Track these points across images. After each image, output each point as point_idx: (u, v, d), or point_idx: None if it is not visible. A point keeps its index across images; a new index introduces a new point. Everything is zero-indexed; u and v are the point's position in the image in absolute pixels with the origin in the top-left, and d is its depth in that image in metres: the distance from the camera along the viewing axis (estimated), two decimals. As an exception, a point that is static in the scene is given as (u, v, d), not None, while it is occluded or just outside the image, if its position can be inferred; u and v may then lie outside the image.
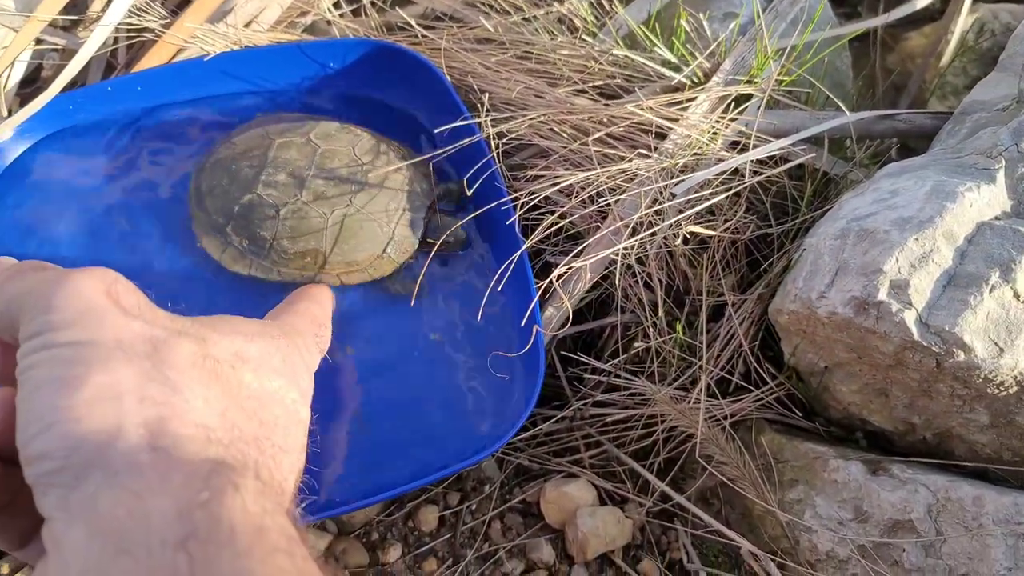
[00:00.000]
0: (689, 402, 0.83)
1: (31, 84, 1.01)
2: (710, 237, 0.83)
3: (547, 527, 0.84)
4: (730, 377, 0.85)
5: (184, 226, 0.86)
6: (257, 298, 0.83)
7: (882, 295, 0.70)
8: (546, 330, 0.79)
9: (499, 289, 0.77)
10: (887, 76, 1.28)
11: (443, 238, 0.82)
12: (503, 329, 0.82)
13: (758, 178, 0.81)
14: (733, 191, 0.80)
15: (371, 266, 0.83)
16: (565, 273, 0.76)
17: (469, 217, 0.84)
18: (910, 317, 0.70)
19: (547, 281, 0.75)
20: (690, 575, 0.81)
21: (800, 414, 0.84)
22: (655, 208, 0.77)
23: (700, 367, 0.82)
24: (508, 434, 0.72)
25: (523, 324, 0.74)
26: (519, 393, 0.77)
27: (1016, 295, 0.70)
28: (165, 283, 0.84)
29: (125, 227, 0.87)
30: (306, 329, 0.52)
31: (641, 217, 0.78)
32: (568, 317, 0.78)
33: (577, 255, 0.78)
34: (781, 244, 0.85)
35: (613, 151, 0.82)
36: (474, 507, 0.84)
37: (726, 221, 0.81)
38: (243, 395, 0.40)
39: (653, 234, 0.78)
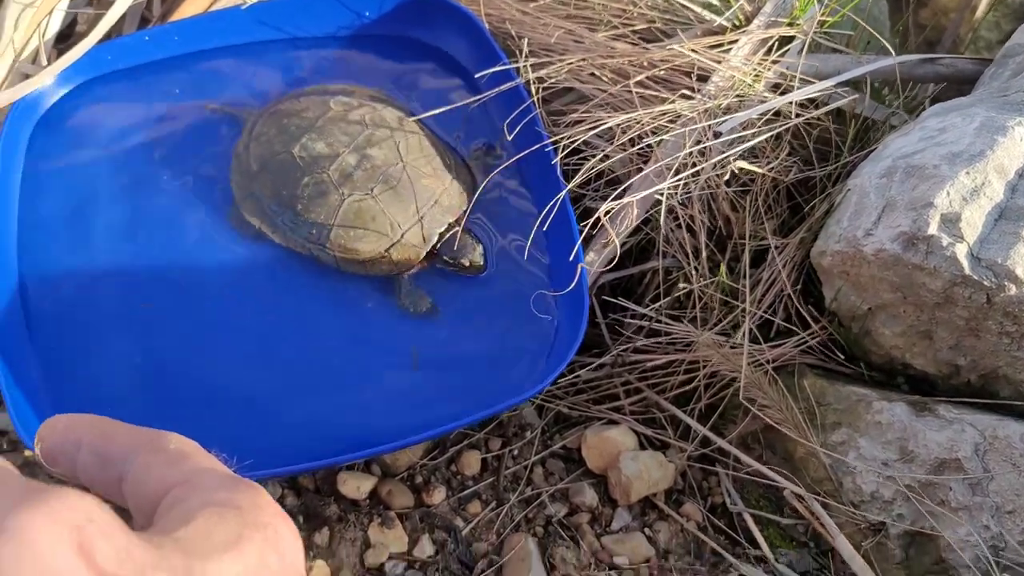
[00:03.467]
0: (731, 346, 0.82)
1: (65, 40, 1.01)
2: (752, 180, 0.83)
3: (588, 472, 0.84)
4: (772, 320, 0.85)
5: (222, 173, 0.86)
6: (277, 263, 0.84)
7: (932, 229, 0.70)
8: (589, 273, 0.79)
9: (544, 229, 0.77)
10: (920, 32, 1.27)
11: (459, 259, 0.81)
12: (546, 272, 0.82)
13: (801, 119, 0.81)
14: (776, 132, 0.79)
15: (371, 263, 0.81)
16: (612, 209, 0.76)
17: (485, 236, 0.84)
18: (961, 251, 0.69)
19: (594, 217, 0.74)
20: (733, 517, 0.81)
21: (843, 357, 0.84)
22: (699, 147, 0.77)
23: (743, 311, 0.82)
24: (555, 371, 0.73)
25: (571, 259, 0.74)
26: (564, 333, 0.77)
27: (1069, 228, 0.69)
28: (197, 230, 0.84)
29: (162, 175, 0.87)
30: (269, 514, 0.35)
31: (685, 158, 0.78)
32: (616, 254, 0.77)
33: (621, 195, 0.77)
34: (823, 187, 0.85)
35: (654, 94, 0.81)
36: (516, 452, 0.84)
37: (769, 164, 0.81)
38: None
39: (696, 174, 0.78)
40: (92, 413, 0.76)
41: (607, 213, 0.75)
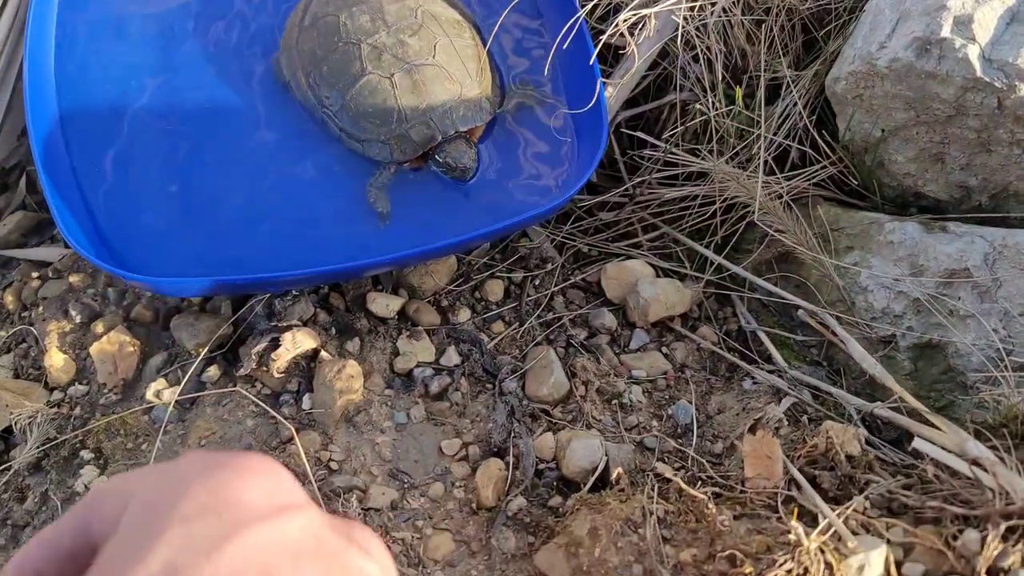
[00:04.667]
0: (746, 176, 0.85)
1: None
2: (767, 11, 0.84)
3: (607, 302, 0.87)
4: (786, 155, 0.86)
5: (260, 22, 0.89)
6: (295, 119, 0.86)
7: (945, 31, 0.71)
8: (609, 106, 0.81)
9: (564, 48, 0.79)
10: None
11: (448, 162, 0.80)
12: (564, 99, 0.85)
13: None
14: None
15: (367, 143, 0.81)
16: (630, 19, 0.78)
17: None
18: (973, 52, 0.71)
19: (613, 29, 0.76)
20: (748, 339, 0.84)
21: (856, 183, 0.86)
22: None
23: (757, 139, 0.84)
24: (582, 179, 0.75)
25: (590, 63, 0.76)
26: (584, 150, 0.80)
27: (1079, 29, 0.71)
28: (230, 74, 0.87)
29: (195, 22, 0.90)
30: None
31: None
32: (641, 62, 0.79)
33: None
34: (840, 17, 0.86)
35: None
36: (537, 282, 0.87)
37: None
38: None
39: (713, 2, 0.79)
40: (135, 236, 0.80)
41: (625, 21, 0.77)
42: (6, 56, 0.89)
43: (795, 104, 0.85)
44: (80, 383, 0.79)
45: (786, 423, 0.69)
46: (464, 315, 0.83)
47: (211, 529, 0.26)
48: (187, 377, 0.76)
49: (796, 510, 0.61)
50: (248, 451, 0.31)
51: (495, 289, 0.86)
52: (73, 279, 0.86)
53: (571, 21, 0.78)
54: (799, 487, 0.64)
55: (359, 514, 0.66)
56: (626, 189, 0.89)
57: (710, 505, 0.61)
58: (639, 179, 0.88)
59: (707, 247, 0.88)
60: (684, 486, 0.62)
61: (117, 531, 0.27)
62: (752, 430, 0.67)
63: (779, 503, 0.63)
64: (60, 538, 0.29)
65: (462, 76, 0.82)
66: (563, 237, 0.91)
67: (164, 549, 0.25)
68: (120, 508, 0.28)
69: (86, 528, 0.29)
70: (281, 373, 0.75)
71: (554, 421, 0.75)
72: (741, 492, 0.65)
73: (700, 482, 0.68)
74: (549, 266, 0.88)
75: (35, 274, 0.88)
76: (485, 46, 0.85)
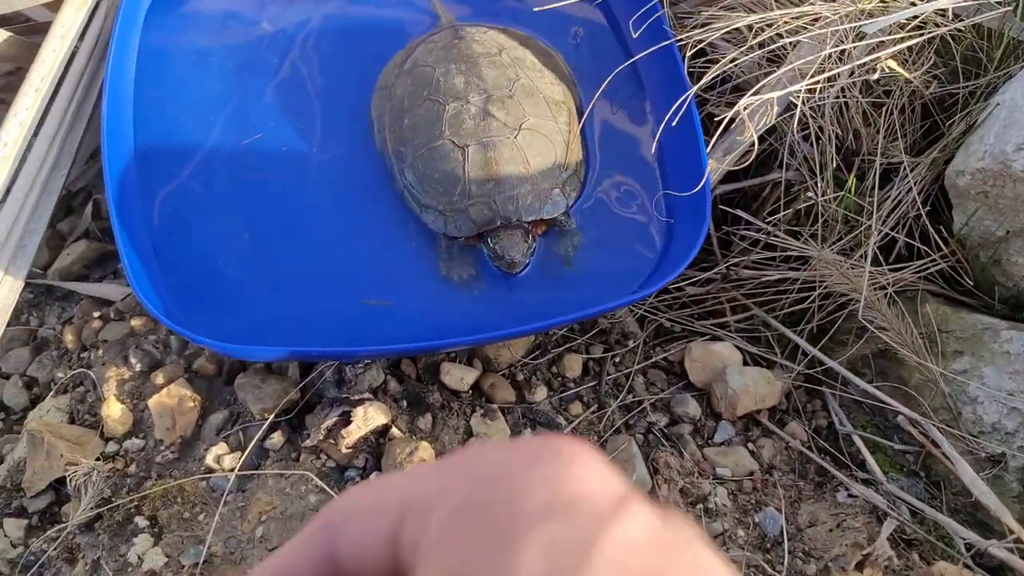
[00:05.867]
0: (850, 266, 0.79)
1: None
2: (887, 94, 0.79)
3: (690, 386, 0.82)
4: (893, 245, 0.81)
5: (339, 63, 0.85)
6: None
7: (1097, 141, 0.66)
8: (715, 170, 0.76)
9: (668, 129, 0.74)
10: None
11: (498, 251, 0.74)
12: (663, 177, 0.80)
13: (947, 29, 0.76)
14: (924, 39, 0.75)
15: (424, 208, 0.77)
16: (751, 105, 0.73)
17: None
18: None
19: (729, 115, 0.71)
20: (839, 441, 0.79)
21: (970, 283, 0.80)
22: (838, 49, 0.73)
23: (866, 230, 0.78)
24: (678, 269, 0.70)
25: (693, 160, 0.72)
26: (683, 235, 0.75)
27: None
28: (308, 118, 0.83)
29: (273, 58, 0.86)
30: None
31: (821, 62, 0.74)
32: (753, 144, 0.74)
33: (754, 94, 0.74)
34: (965, 104, 0.80)
35: (790, -5, 0.77)
36: (618, 359, 0.83)
37: (913, 73, 0.77)
38: None
39: (832, 80, 0.74)
40: (198, 283, 0.76)
41: (746, 108, 0.72)
42: (85, 81, 0.86)
43: (908, 191, 0.79)
44: (136, 436, 0.76)
45: (895, 560, 0.64)
46: (540, 393, 0.78)
47: (569, 532, 0.22)
48: (251, 445, 0.72)
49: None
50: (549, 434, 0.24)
51: (573, 365, 0.81)
52: (135, 323, 0.82)
53: (680, 100, 0.73)
54: (909, 635, 0.59)
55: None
56: (718, 267, 0.84)
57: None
58: (734, 259, 0.83)
59: (800, 335, 0.83)
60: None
61: (429, 548, 0.22)
62: (859, 567, 0.62)
63: (887, 652, 0.58)
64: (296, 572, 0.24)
65: (542, 162, 0.76)
66: (645, 311, 0.86)
67: (528, 561, 0.21)
68: (388, 522, 0.23)
69: (330, 555, 0.24)
70: (350, 448, 0.71)
71: (634, 523, 0.70)
72: (844, 633, 0.60)
73: (795, 612, 0.63)
74: (631, 343, 0.83)
75: (96, 313, 0.84)
76: (579, 126, 0.80)
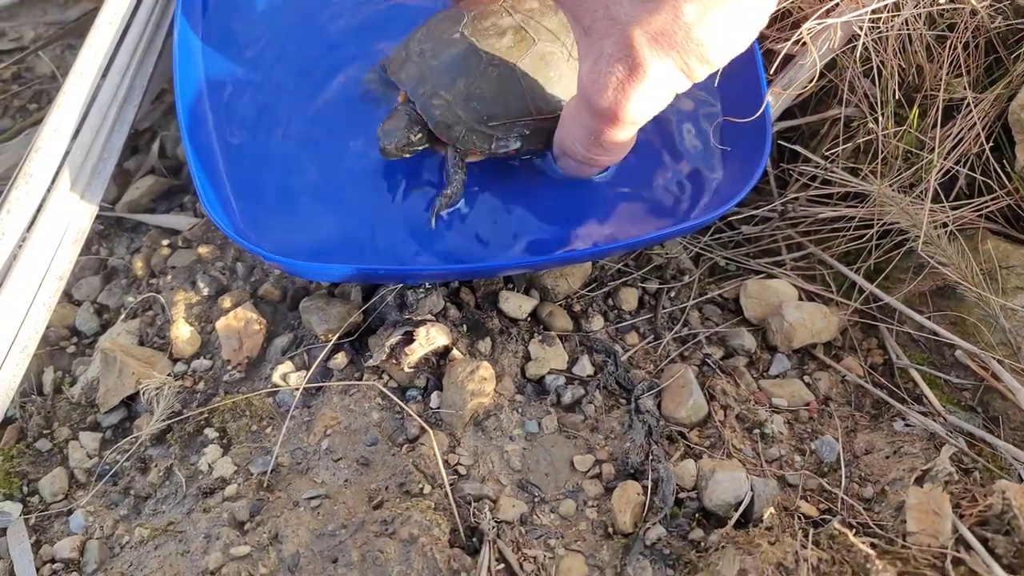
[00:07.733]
0: (909, 202, 0.79)
1: None
2: (952, 27, 0.78)
3: (745, 321, 0.82)
4: (957, 177, 0.80)
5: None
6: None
7: None
8: (774, 105, 0.76)
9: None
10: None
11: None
12: (722, 107, 0.80)
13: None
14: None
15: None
16: (814, 29, 0.73)
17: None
18: None
19: (793, 39, 0.72)
20: (895, 374, 0.79)
21: (1032, 221, 0.80)
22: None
23: (927, 164, 0.78)
24: (740, 193, 0.71)
25: (758, 73, 0.72)
26: (745, 163, 0.75)
27: None
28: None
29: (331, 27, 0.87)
30: None
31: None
32: (815, 74, 0.74)
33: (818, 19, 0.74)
34: (1031, 38, 0.80)
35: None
36: (673, 294, 0.83)
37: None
38: None
39: (897, 8, 0.74)
40: (266, 206, 0.76)
41: (809, 32, 0.72)
42: (156, 16, 0.88)
43: (971, 127, 0.79)
44: (204, 357, 0.79)
45: (955, 475, 0.64)
46: (597, 323, 0.79)
47: None
48: (316, 364, 0.74)
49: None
50: None
51: (629, 298, 0.82)
52: (202, 250, 0.85)
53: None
54: (970, 549, 0.59)
55: (493, 526, 0.63)
56: (774, 204, 0.85)
57: (876, 561, 0.57)
58: (791, 195, 0.83)
59: (856, 272, 0.83)
60: (849, 535, 0.58)
61: None
62: (919, 482, 0.62)
63: (947, 564, 0.58)
64: None
65: (501, 102, 0.73)
66: (700, 248, 0.87)
67: None
68: None
69: None
70: (411, 368, 0.72)
71: (691, 446, 0.71)
72: (903, 547, 0.60)
73: (853, 530, 0.63)
74: (686, 278, 0.84)
75: (165, 241, 0.87)
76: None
